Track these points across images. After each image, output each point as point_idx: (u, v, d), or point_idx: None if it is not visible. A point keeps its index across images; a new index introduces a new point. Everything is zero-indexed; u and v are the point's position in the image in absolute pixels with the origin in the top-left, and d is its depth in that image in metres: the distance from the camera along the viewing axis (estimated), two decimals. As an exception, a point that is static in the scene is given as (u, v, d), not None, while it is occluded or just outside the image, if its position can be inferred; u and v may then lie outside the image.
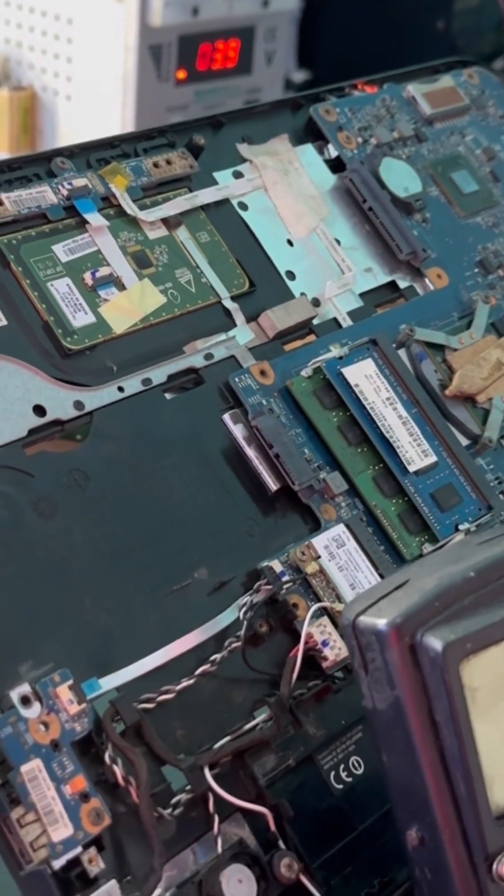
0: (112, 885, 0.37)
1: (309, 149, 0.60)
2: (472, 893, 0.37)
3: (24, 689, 0.39)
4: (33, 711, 0.38)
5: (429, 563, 0.40)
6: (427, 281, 0.59)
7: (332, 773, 0.45)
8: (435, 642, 0.36)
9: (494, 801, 0.37)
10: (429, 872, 0.38)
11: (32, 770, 0.37)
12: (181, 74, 1.09)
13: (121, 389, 0.47)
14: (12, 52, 1.12)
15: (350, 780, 0.45)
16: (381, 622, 0.37)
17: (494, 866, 0.37)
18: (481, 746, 0.37)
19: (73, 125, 1.10)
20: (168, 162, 0.53)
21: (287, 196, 0.57)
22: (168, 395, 0.49)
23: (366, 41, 1.27)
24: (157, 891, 0.38)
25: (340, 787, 0.45)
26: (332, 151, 0.60)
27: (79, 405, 0.46)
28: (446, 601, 0.37)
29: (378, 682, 0.37)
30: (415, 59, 0.69)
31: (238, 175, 0.56)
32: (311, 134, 0.60)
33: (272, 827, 0.42)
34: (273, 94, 1.19)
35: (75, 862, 0.37)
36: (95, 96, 1.07)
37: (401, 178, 0.60)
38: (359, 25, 1.28)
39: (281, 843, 0.42)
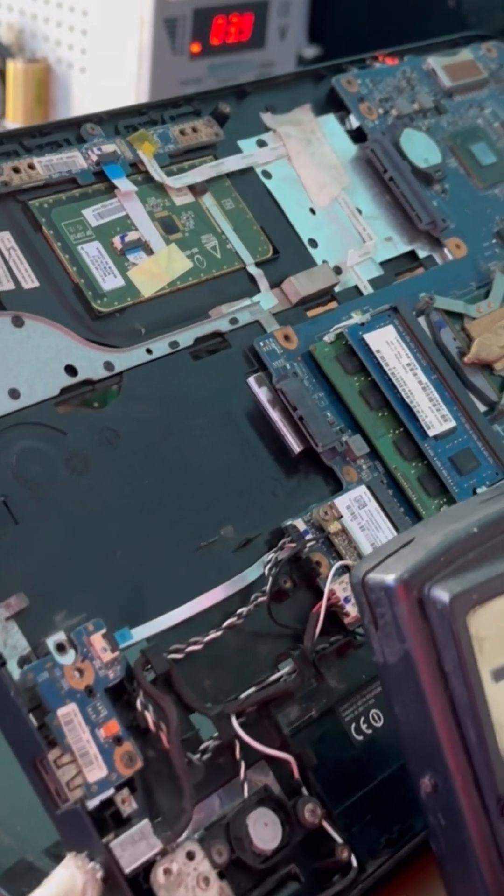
0: (145, 824, 0.38)
1: (331, 119, 0.61)
2: (485, 835, 0.39)
3: (60, 637, 0.40)
4: (68, 658, 0.40)
5: (433, 522, 0.42)
6: (446, 251, 0.60)
7: (353, 725, 0.46)
8: (442, 594, 0.38)
9: (503, 747, 0.38)
10: (442, 818, 0.39)
11: (68, 714, 0.39)
12: (195, 48, 1.09)
13: (149, 351, 0.48)
14: (27, 24, 1.13)
15: (370, 732, 0.47)
16: (390, 578, 0.38)
17: None
18: (489, 694, 0.38)
19: (88, 98, 1.10)
20: (194, 130, 0.54)
21: (310, 165, 0.58)
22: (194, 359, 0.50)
23: (376, 17, 1.27)
24: (186, 832, 0.39)
25: (361, 738, 0.46)
26: (354, 122, 0.61)
27: (109, 366, 0.47)
28: (451, 556, 0.38)
29: (388, 636, 0.39)
30: (425, 36, 0.70)
31: (262, 144, 0.57)
32: (333, 104, 0.61)
33: (296, 774, 0.43)
34: (286, 68, 1.19)
35: (109, 802, 0.39)
36: (110, 69, 1.07)
37: (421, 149, 0.61)
38: (370, 1, 1.29)
39: (304, 791, 0.43)
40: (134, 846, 0.38)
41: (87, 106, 1.10)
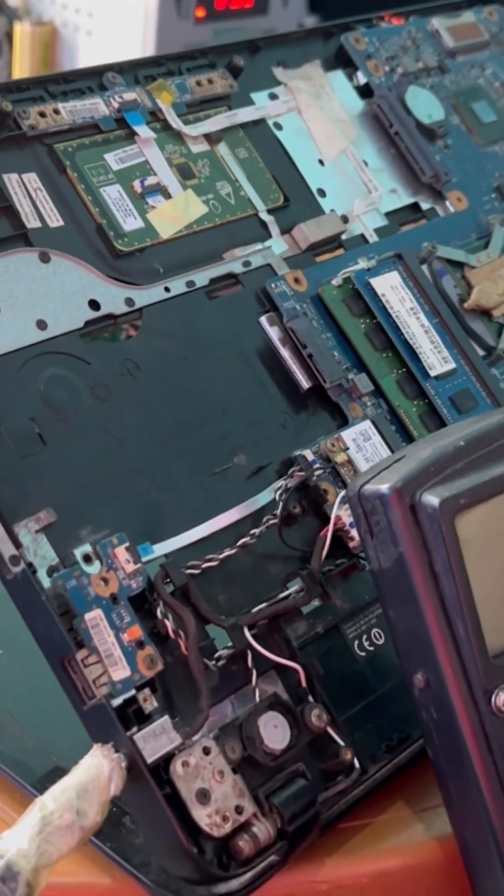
0: (165, 720, 0.41)
1: (339, 75, 0.63)
2: (475, 725, 0.42)
3: (86, 548, 0.43)
4: (94, 568, 0.42)
5: (423, 441, 0.45)
6: (448, 203, 0.63)
7: (356, 642, 0.49)
8: (432, 499, 0.41)
9: (490, 642, 0.41)
10: (434, 712, 0.42)
11: (95, 618, 0.42)
12: (200, 13, 1.11)
13: (167, 290, 0.51)
14: (35, -13, 1.14)
15: (372, 649, 0.50)
16: (384, 487, 0.41)
17: (493, 699, 0.41)
18: (476, 593, 0.41)
19: (93, 60, 1.12)
20: (210, 81, 0.57)
21: (319, 118, 0.60)
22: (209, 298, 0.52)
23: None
24: (202, 730, 0.42)
25: (363, 654, 0.49)
26: (361, 78, 0.63)
27: (129, 302, 0.49)
28: (440, 466, 0.42)
29: (383, 542, 0.42)
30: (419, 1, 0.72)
31: (273, 97, 0.60)
32: (342, 61, 0.64)
33: (303, 683, 0.46)
34: (288, 35, 1.21)
35: (132, 700, 0.42)
36: (116, 32, 1.09)
37: (425, 105, 0.64)
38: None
39: (310, 698, 0.46)
40: (155, 739, 0.41)
41: (94, 68, 1.12)
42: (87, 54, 1.13)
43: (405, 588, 0.41)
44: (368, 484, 0.42)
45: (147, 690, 0.42)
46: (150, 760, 0.40)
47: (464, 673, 0.41)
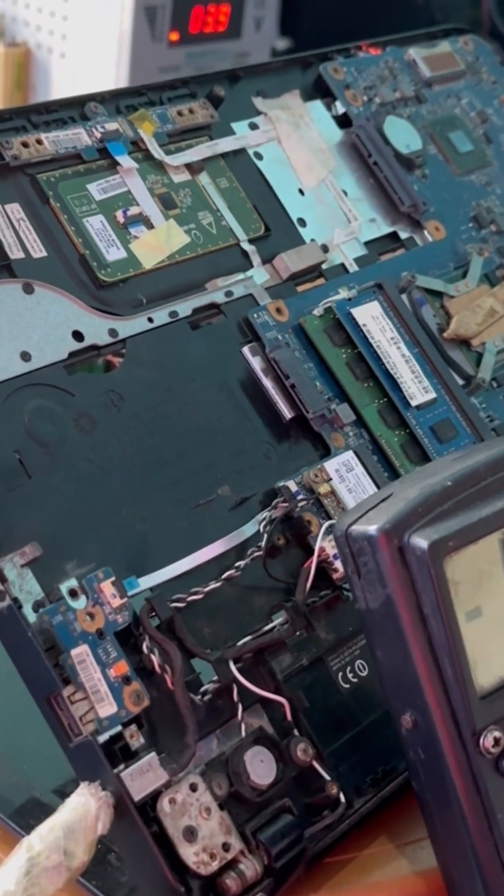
0: (152, 756, 0.41)
1: (318, 105, 0.63)
2: (462, 766, 0.41)
3: (72, 583, 0.42)
4: (80, 603, 0.42)
5: (409, 478, 0.45)
6: (426, 233, 0.63)
7: (340, 674, 0.49)
8: (421, 542, 0.41)
9: (478, 683, 0.41)
10: (422, 752, 0.42)
11: (81, 654, 0.41)
12: (174, 36, 1.12)
13: (150, 320, 0.51)
14: (8, 8, 1.14)
15: (356, 680, 0.49)
16: (372, 528, 0.41)
17: (481, 740, 0.41)
18: (464, 634, 0.41)
19: (67, 83, 1.12)
20: (191, 111, 0.57)
21: (298, 148, 0.61)
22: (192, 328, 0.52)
23: (346, 11, 1.30)
24: (189, 766, 0.42)
25: (347, 686, 0.49)
26: (340, 108, 0.64)
27: (113, 333, 0.49)
28: (428, 507, 0.41)
29: (371, 583, 0.42)
30: (393, 30, 0.73)
31: (254, 126, 0.60)
32: (320, 91, 0.64)
33: (289, 717, 0.46)
34: (260, 59, 1.22)
35: (118, 737, 0.41)
36: (90, 55, 1.09)
37: (403, 135, 0.64)
38: (340, -3, 1.31)
39: (296, 732, 0.46)
40: (142, 777, 0.41)
41: (67, 91, 1.12)
42: (60, 76, 1.13)
43: (393, 628, 0.41)
44: (356, 524, 0.42)
45: (133, 726, 0.42)
46: (137, 798, 0.40)
47: (451, 714, 0.41)
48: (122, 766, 0.41)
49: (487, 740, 0.41)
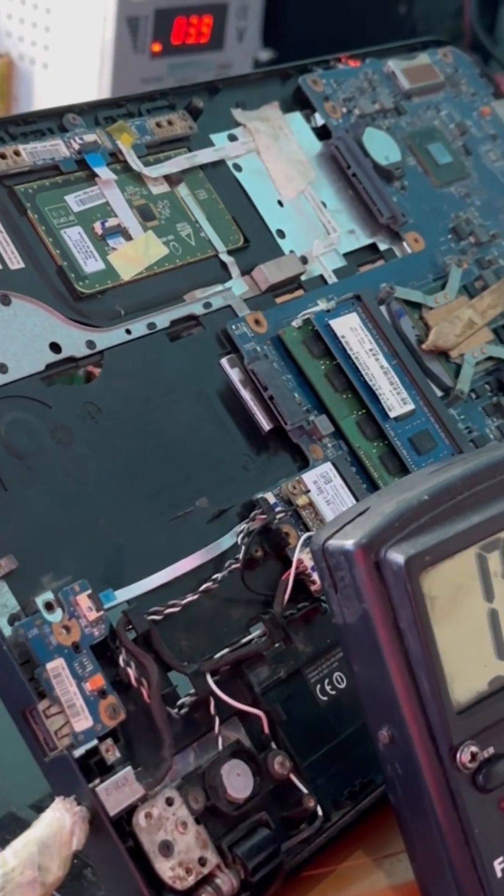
0: (128, 771, 0.41)
1: (297, 116, 0.64)
2: (439, 781, 0.41)
3: (48, 596, 0.42)
4: (56, 616, 0.42)
5: (386, 492, 0.45)
6: (405, 244, 0.63)
7: (318, 686, 0.49)
8: (398, 557, 0.40)
9: (455, 698, 0.41)
10: (399, 767, 0.42)
11: (57, 668, 0.41)
12: (156, 47, 1.12)
13: (128, 332, 0.51)
14: (-10, 19, 1.14)
15: (333, 693, 0.49)
16: (349, 543, 0.41)
17: (458, 756, 0.41)
18: (441, 649, 0.41)
19: (50, 93, 1.12)
20: (169, 123, 0.57)
21: (278, 160, 0.61)
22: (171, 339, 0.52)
23: (329, 22, 1.31)
24: (165, 780, 0.42)
25: (325, 698, 0.49)
26: (319, 120, 0.64)
27: (91, 344, 0.49)
28: (404, 522, 0.41)
29: (348, 598, 0.41)
30: (376, 41, 0.73)
31: (233, 138, 0.60)
32: (299, 102, 0.64)
33: (266, 729, 0.46)
34: (243, 70, 1.22)
35: (94, 751, 0.41)
36: (72, 65, 1.09)
37: (382, 147, 0.64)
38: (322, 7, 1.32)
39: (273, 745, 0.46)
40: (118, 791, 0.40)
41: (50, 101, 1.12)
42: (43, 87, 1.13)
43: (369, 643, 0.41)
44: (333, 539, 0.41)
45: (109, 740, 0.41)
46: (112, 813, 0.40)
47: (428, 729, 0.41)
48: (97, 781, 0.40)
49: (464, 755, 0.41)
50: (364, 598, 0.41)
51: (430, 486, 0.42)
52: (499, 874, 0.42)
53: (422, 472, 0.47)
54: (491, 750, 0.41)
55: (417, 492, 0.42)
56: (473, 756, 0.41)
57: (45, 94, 1.12)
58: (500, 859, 0.42)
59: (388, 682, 0.41)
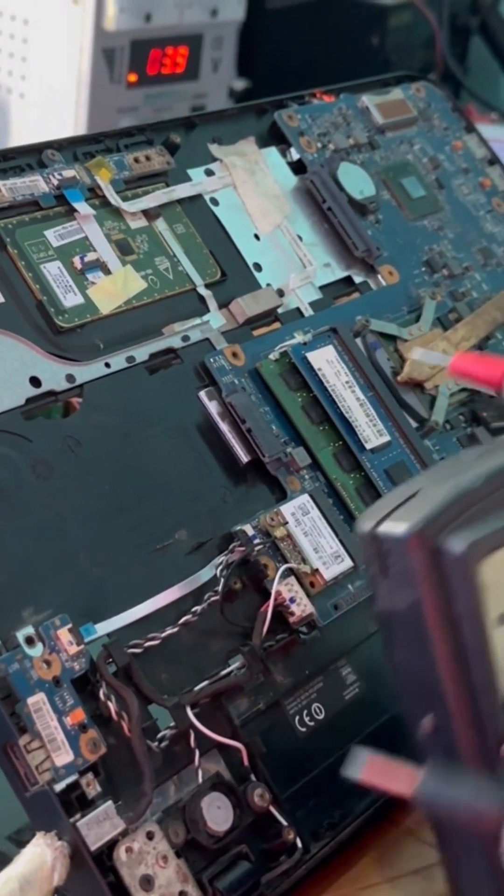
0: (109, 805, 0.41)
1: (273, 151, 0.64)
2: (482, 775, 0.40)
3: (29, 630, 0.42)
4: (37, 651, 0.42)
5: (433, 475, 0.43)
6: (380, 277, 0.64)
7: (297, 718, 0.49)
8: (458, 545, 0.39)
9: (501, 691, 0.40)
10: (441, 762, 0.40)
11: (38, 702, 0.41)
12: (132, 77, 1.13)
13: (107, 365, 0.51)
14: (-34, 48, 1.15)
15: (312, 724, 0.50)
16: (403, 529, 0.39)
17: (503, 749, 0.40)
18: (493, 638, 0.40)
19: (26, 123, 1.13)
20: (147, 158, 0.58)
21: (254, 194, 0.62)
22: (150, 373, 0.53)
23: (303, 53, 1.32)
24: (146, 814, 0.42)
25: (304, 730, 0.49)
26: (294, 154, 0.65)
27: (70, 378, 0.50)
28: (460, 507, 0.40)
29: (398, 584, 0.40)
30: (350, 72, 0.74)
31: (210, 173, 0.61)
32: (275, 137, 0.65)
33: (245, 762, 0.46)
34: (218, 99, 1.24)
35: (75, 785, 0.41)
36: (49, 95, 1.10)
37: (356, 181, 0.65)
38: (297, 38, 1.33)
39: (253, 777, 0.46)
40: (99, 826, 0.41)
41: (26, 131, 1.13)
42: (19, 117, 1.13)
43: (418, 631, 0.40)
44: (383, 524, 0.40)
45: (90, 775, 0.42)
46: (93, 848, 0.40)
47: (475, 720, 0.40)
48: (78, 815, 0.40)
49: None
50: (418, 585, 0.39)
51: (484, 470, 0.41)
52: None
53: (467, 454, 0.44)
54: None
55: (471, 476, 0.41)
56: None
57: (21, 123, 1.13)
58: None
59: (437, 671, 0.40)
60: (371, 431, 0.57)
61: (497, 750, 0.40)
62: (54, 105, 1.10)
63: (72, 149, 0.56)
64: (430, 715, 0.40)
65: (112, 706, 0.43)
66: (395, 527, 0.40)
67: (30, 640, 0.42)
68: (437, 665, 0.40)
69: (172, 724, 0.45)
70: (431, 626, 0.40)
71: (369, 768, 0.40)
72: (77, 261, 0.52)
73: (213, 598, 0.48)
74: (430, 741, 0.41)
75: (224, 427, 0.53)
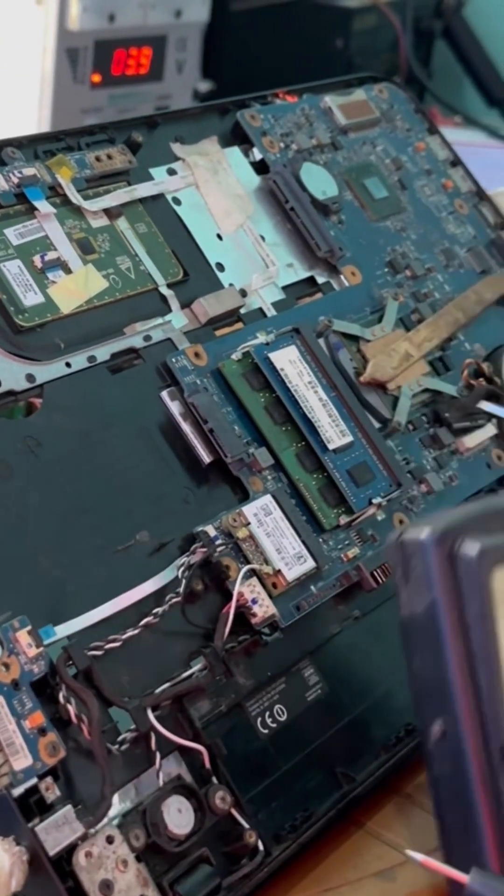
0: (68, 809, 0.41)
1: (236, 151, 0.64)
2: (487, 780, 0.42)
3: (-13, 633, 0.42)
4: (-5, 653, 0.42)
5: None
6: (342, 277, 0.64)
7: (259, 720, 0.49)
8: (472, 547, 0.42)
9: None
10: (447, 766, 0.43)
11: (-5, 706, 0.41)
12: (96, 78, 1.12)
13: (68, 365, 0.51)
14: None
15: (274, 725, 0.49)
16: (426, 532, 0.43)
17: None
18: (502, 647, 0.42)
19: (-12, 122, 1.12)
20: (109, 157, 0.57)
21: (216, 194, 0.61)
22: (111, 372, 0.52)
23: (267, 55, 1.32)
24: (106, 818, 0.42)
25: (266, 731, 0.49)
26: (257, 154, 0.64)
27: (30, 378, 0.49)
28: (483, 519, 0.43)
29: (418, 587, 0.43)
30: (314, 74, 0.74)
31: (172, 172, 0.60)
32: (238, 137, 0.65)
33: (207, 764, 0.46)
34: (182, 101, 1.23)
35: (33, 790, 0.41)
36: (12, 96, 1.09)
37: (319, 181, 0.65)
38: (261, 40, 1.33)
39: (214, 779, 0.46)
40: (58, 830, 0.40)
41: (-12, 130, 1.12)
42: (-20, 115, 1.12)
43: (433, 634, 0.42)
44: (409, 531, 0.43)
45: (49, 779, 0.41)
46: (52, 853, 0.40)
47: (482, 723, 0.42)
48: (36, 820, 0.40)
49: None
50: (434, 586, 0.42)
51: None
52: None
53: None
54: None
55: (500, 497, 0.44)
56: None
57: (-17, 123, 1.12)
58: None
59: (448, 674, 0.42)
60: (334, 432, 0.56)
61: (501, 755, 0.41)
62: (18, 106, 1.09)
63: (32, 147, 0.55)
64: (440, 720, 0.42)
65: (72, 709, 0.43)
66: (419, 531, 0.43)
67: (-12, 643, 0.42)
68: (448, 667, 0.42)
69: (133, 726, 0.45)
70: (445, 627, 0.42)
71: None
72: (37, 259, 0.52)
73: (174, 600, 0.48)
74: (438, 746, 0.42)
75: (186, 427, 0.53)
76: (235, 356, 0.56)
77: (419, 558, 0.42)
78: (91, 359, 0.51)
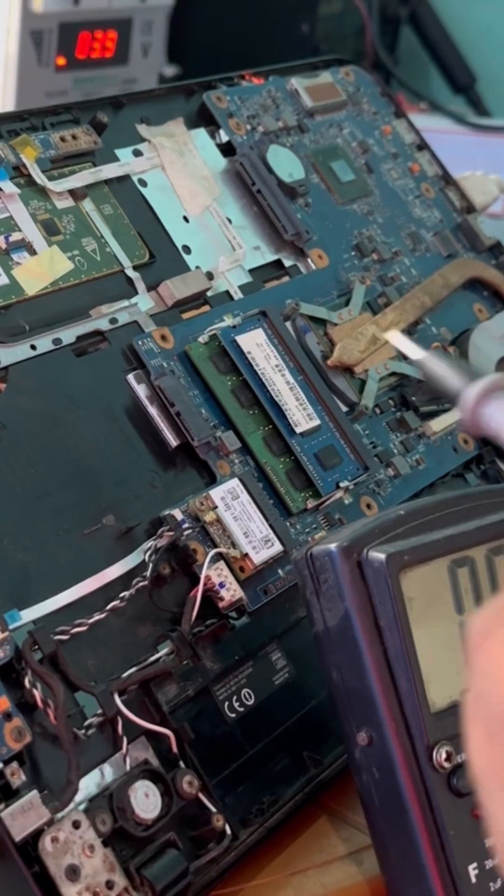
0: (34, 795, 0.40)
1: (202, 133, 0.64)
2: (416, 781, 0.42)
3: (-50, 617, 0.41)
4: (-41, 638, 0.41)
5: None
6: (309, 261, 0.64)
7: (226, 703, 0.49)
8: (379, 554, 0.43)
9: (431, 699, 0.43)
10: (376, 771, 0.43)
11: (-40, 691, 0.40)
12: (61, 61, 1.11)
13: (33, 347, 0.50)
14: None
15: (242, 709, 0.49)
16: (332, 545, 0.44)
17: (434, 755, 0.42)
18: (419, 649, 0.43)
19: (-49, 104, 1.10)
20: (74, 137, 0.56)
21: (182, 176, 0.61)
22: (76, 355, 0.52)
23: (233, 40, 1.32)
24: (72, 802, 0.41)
25: (233, 715, 0.49)
26: (223, 136, 0.64)
27: (-6, 360, 0.48)
28: (383, 530, 0.44)
29: (330, 599, 0.44)
30: (280, 59, 0.74)
31: (138, 153, 0.60)
32: (204, 119, 0.64)
33: (174, 748, 0.46)
34: (148, 85, 1.22)
35: (-1, 775, 0.40)
36: (-26, 77, 1.08)
37: (286, 164, 0.65)
38: (227, 24, 1.33)
39: (181, 764, 0.46)
40: (24, 816, 0.40)
41: (-50, 112, 1.10)
42: None
43: (350, 644, 0.43)
44: (317, 546, 0.44)
45: (15, 764, 0.41)
46: (18, 839, 0.39)
47: (406, 727, 0.42)
48: (2, 806, 0.40)
49: (440, 755, 0.42)
50: (346, 596, 0.43)
51: (407, 505, 0.46)
52: (473, 879, 0.42)
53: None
54: (465, 755, 0.42)
55: (395, 509, 0.45)
56: (448, 756, 0.42)
57: None
58: (474, 865, 0.43)
59: (367, 681, 0.43)
60: (301, 415, 0.56)
61: (428, 757, 0.41)
62: (-20, 87, 1.08)
63: (-5, 126, 0.54)
64: (365, 728, 0.43)
65: (38, 694, 0.42)
66: (327, 544, 0.44)
67: (-48, 628, 0.41)
68: (367, 675, 0.42)
69: (100, 711, 0.44)
70: (360, 635, 0.42)
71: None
72: (1, 240, 0.51)
73: (141, 584, 0.47)
74: (366, 754, 0.43)
75: (153, 411, 0.52)
76: (202, 339, 0.55)
77: (329, 570, 0.43)
78: (56, 341, 0.51)
